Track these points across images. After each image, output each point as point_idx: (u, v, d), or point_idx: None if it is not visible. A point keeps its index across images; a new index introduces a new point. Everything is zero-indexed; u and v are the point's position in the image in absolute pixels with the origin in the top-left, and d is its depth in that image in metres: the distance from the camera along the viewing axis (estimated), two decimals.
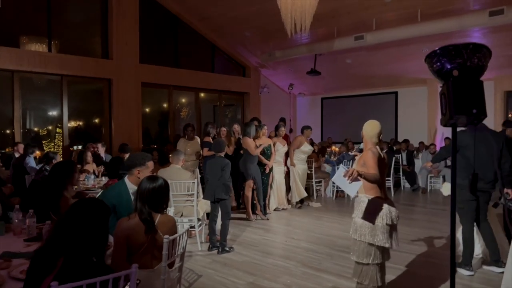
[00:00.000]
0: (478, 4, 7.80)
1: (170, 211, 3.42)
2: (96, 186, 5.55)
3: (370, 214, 2.99)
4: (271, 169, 7.12)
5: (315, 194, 8.82)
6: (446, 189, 4.88)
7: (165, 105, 11.38)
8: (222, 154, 5.20)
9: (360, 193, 3.14)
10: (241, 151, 7.00)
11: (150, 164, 3.48)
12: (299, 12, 6.75)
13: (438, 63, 1.90)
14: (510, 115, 10.74)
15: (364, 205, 3.08)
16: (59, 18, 8.81)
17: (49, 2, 8.59)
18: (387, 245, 3.02)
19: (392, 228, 3.09)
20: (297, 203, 7.73)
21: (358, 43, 9.29)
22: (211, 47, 11.65)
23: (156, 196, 2.63)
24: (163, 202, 2.68)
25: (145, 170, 3.39)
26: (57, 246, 1.88)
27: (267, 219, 6.77)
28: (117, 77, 9.27)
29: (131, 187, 3.32)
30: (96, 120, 10.21)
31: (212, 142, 6.75)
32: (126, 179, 3.40)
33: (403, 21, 8.53)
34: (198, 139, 7.12)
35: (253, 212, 6.84)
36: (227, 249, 4.95)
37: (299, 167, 7.70)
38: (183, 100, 12.37)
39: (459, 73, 1.82)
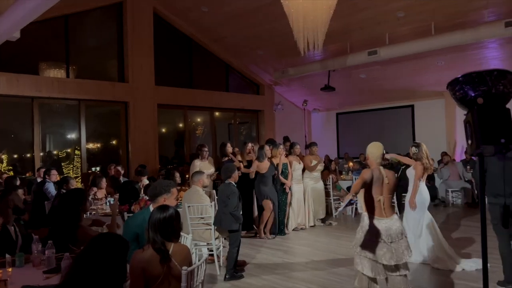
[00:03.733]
0: (494, 15, 7.71)
1: (188, 238, 3.39)
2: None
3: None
4: (290, 188, 7.07)
5: (333, 212, 8.67)
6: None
7: (180, 125, 11.48)
8: (232, 180, 4.91)
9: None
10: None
11: (175, 190, 3.52)
12: (311, 30, 6.77)
13: (461, 91, 1.84)
14: None
15: (363, 221, 3.45)
16: (76, 44, 9.04)
17: (66, 28, 8.84)
18: (380, 260, 3.26)
19: (385, 244, 3.28)
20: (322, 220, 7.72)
21: (371, 58, 9.25)
22: (225, 67, 11.77)
23: (168, 225, 2.62)
24: (175, 230, 2.68)
25: (171, 197, 3.42)
26: (76, 283, 1.87)
27: (273, 238, 6.71)
28: (133, 99, 9.41)
29: None
30: (114, 142, 10.35)
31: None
32: (150, 207, 3.40)
33: (417, 35, 8.47)
34: (212, 160, 7.14)
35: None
36: (235, 275, 4.76)
37: (310, 186, 7.61)
38: (198, 119, 12.46)
39: (484, 101, 1.76)
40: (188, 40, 10.81)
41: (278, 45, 10.00)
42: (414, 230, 5.24)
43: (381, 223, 3.32)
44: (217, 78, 11.77)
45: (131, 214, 4.45)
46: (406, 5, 7.78)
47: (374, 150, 3.50)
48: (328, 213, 8.28)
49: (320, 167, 7.81)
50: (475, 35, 7.90)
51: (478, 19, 7.83)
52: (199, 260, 5.02)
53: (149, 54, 9.73)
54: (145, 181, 6.42)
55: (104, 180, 6.59)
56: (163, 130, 11.47)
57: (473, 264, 4.86)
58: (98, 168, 9.45)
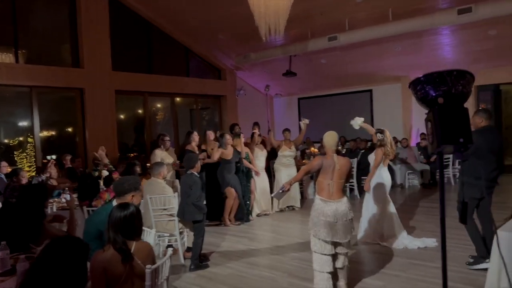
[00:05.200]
0: (447, 3, 7.96)
1: (151, 232, 3.33)
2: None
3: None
4: (252, 176, 7.10)
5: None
6: (356, 123, 5.74)
7: (140, 111, 11.18)
8: (194, 171, 4.85)
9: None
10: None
11: (142, 187, 3.44)
12: (272, 16, 6.72)
13: (423, 91, 1.90)
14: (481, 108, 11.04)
15: (315, 202, 3.86)
16: (25, 26, 8.48)
17: (14, 10, 8.27)
18: (328, 239, 3.64)
19: (329, 224, 3.65)
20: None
21: (332, 44, 9.35)
22: (185, 51, 11.50)
23: (129, 223, 2.55)
24: (136, 228, 2.62)
25: (138, 194, 3.34)
26: None
27: (239, 225, 6.75)
28: (89, 86, 9.03)
29: None
30: (70, 129, 9.95)
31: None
32: (114, 203, 3.29)
33: (375, 20, 8.62)
34: (173, 150, 7.03)
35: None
36: (200, 265, 4.75)
37: (282, 172, 7.69)
38: (159, 105, 12.18)
39: (444, 101, 1.82)
40: (146, 23, 10.44)
41: (240, 30, 9.87)
42: (374, 212, 5.47)
43: (329, 205, 3.71)
44: (178, 63, 11.49)
45: (93, 208, 4.30)
46: None
47: (329, 139, 3.85)
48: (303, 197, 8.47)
49: (292, 152, 7.88)
50: (430, 22, 8.15)
51: (433, 5, 8.06)
52: (163, 253, 5.00)
53: (105, 38, 9.32)
54: (105, 172, 6.22)
55: (54, 169, 6.34)
56: (122, 116, 11.13)
57: (418, 243, 5.16)
58: (54, 157, 9.06)
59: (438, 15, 8.01)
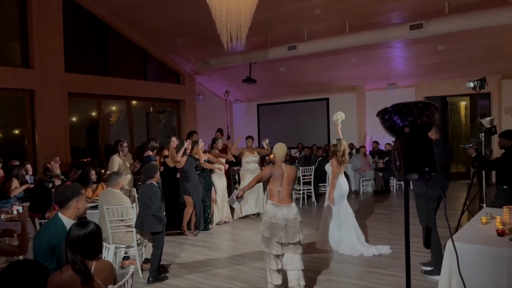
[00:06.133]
0: (399, 18, 8.36)
1: (111, 248, 3.22)
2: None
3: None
4: (212, 185, 7.05)
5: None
6: (336, 116, 5.97)
7: (93, 113, 10.79)
8: (154, 181, 4.75)
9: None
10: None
11: (84, 191, 3.31)
12: (234, 24, 6.75)
13: (391, 120, 1.99)
14: None
15: (267, 207, 4.17)
16: None
17: None
18: (278, 240, 3.94)
19: (280, 226, 3.95)
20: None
21: (291, 53, 9.52)
22: (142, 54, 11.25)
23: (89, 242, 2.43)
24: (96, 247, 2.50)
25: (82, 198, 3.17)
26: None
27: (196, 235, 6.67)
28: (40, 87, 8.59)
29: (69, 222, 3.05)
30: (17, 132, 9.40)
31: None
32: (60, 215, 3.13)
33: (333, 32, 8.88)
34: (130, 156, 6.85)
35: (188, 228, 6.75)
36: (158, 277, 4.65)
37: (247, 179, 7.69)
38: (113, 108, 11.80)
39: (410, 130, 1.92)
40: (102, 24, 10.10)
41: (199, 35, 9.81)
42: (335, 221, 5.62)
43: (281, 209, 4.03)
44: (135, 66, 11.22)
45: (43, 220, 4.08)
46: (323, 3, 8.09)
47: (279, 150, 4.17)
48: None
49: (256, 157, 7.92)
50: (384, 36, 8.52)
51: (386, 21, 8.44)
52: (119, 265, 4.84)
53: (58, 38, 8.90)
54: (58, 182, 5.91)
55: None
56: (74, 119, 10.68)
57: (373, 251, 5.36)
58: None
59: (392, 30, 8.39)
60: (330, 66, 10.72)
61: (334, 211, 5.63)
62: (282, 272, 4.10)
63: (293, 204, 4.15)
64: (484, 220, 3.73)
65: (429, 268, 4.55)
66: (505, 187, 4.82)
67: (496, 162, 5.40)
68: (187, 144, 6.59)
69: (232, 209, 7.62)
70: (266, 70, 11.19)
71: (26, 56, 8.64)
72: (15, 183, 6.03)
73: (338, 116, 6.04)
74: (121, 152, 6.51)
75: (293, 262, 4.01)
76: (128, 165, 6.49)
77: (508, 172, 4.83)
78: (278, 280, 4.08)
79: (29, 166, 6.54)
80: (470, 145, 5.11)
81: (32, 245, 3.09)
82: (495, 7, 7.10)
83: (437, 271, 4.40)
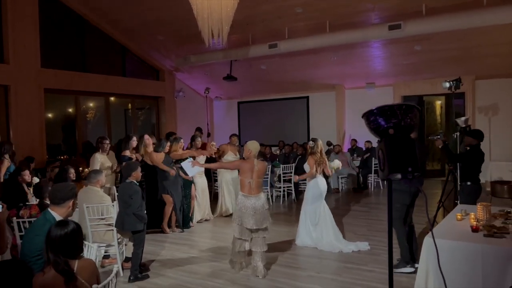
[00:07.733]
0: (378, 18, 8.51)
1: (93, 247, 3.18)
2: None
3: None
4: (192, 181, 7.02)
5: None
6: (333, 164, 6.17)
7: (70, 110, 10.57)
8: (134, 179, 4.72)
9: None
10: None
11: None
12: (216, 21, 6.73)
13: (375, 122, 2.07)
14: None
15: (238, 198, 4.73)
16: None
17: None
18: (248, 226, 4.54)
19: (250, 214, 4.54)
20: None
21: (272, 51, 9.55)
22: (121, 50, 11.08)
23: (70, 241, 2.42)
24: (78, 246, 2.49)
25: (76, 200, 3.21)
26: None
27: (182, 231, 6.67)
28: (15, 83, 8.37)
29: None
30: None
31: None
32: (52, 212, 3.08)
33: (313, 31, 8.97)
34: (113, 154, 6.73)
35: (169, 226, 6.71)
36: (140, 276, 4.62)
37: (227, 177, 7.71)
38: (91, 105, 11.60)
39: (394, 132, 2.01)
40: (79, 19, 9.90)
41: (180, 32, 9.74)
42: (312, 219, 5.70)
43: (250, 199, 4.59)
44: (113, 62, 11.04)
45: (21, 219, 3.97)
46: (304, 2, 8.15)
47: (253, 148, 4.70)
48: None
49: (236, 158, 7.88)
50: (363, 35, 8.65)
51: (366, 20, 8.57)
52: (100, 264, 4.80)
53: (33, 32, 8.69)
54: (35, 179, 5.79)
55: None
56: (50, 115, 10.44)
57: (352, 247, 5.46)
58: None
59: (371, 30, 8.53)
60: (310, 64, 10.82)
61: (311, 210, 5.73)
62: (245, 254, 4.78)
63: (261, 194, 4.69)
64: (459, 217, 3.87)
65: (395, 262, 4.69)
66: (468, 183, 5.11)
67: (460, 156, 5.67)
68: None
69: (213, 207, 7.65)
70: (247, 68, 11.20)
71: (0, 50, 8.39)
72: None
73: (334, 166, 6.22)
74: (101, 150, 6.40)
75: (259, 244, 4.62)
76: (109, 162, 6.38)
77: (471, 169, 5.10)
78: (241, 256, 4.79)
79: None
80: (438, 136, 5.29)
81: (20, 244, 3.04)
82: (470, 9, 7.30)
83: (403, 263, 4.56)
